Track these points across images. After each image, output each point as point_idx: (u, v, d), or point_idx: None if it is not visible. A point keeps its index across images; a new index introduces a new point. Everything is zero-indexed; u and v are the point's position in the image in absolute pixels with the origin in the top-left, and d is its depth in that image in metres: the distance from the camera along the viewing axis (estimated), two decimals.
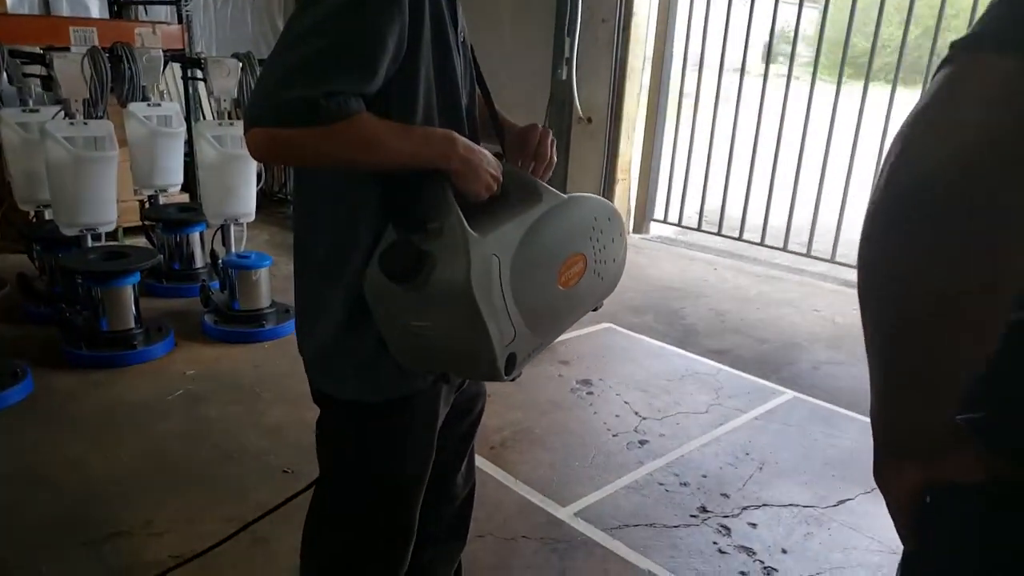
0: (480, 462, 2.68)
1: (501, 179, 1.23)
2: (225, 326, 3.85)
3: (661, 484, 2.61)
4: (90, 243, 3.81)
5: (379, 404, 1.29)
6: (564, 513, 2.42)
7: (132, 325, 3.59)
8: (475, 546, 2.11)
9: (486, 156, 1.20)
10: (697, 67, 5.85)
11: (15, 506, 2.39)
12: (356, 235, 1.20)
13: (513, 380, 1.20)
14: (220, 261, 4.00)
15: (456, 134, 1.16)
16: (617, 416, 3.09)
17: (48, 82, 4.08)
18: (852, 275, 5.19)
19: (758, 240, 5.67)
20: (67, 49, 4.34)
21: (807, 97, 5.26)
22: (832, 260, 5.30)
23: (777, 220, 5.50)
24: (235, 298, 3.90)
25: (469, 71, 1.32)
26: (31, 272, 4.17)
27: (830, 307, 4.62)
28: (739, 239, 5.79)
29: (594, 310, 1.45)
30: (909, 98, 4.70)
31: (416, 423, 1.33)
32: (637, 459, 2.76)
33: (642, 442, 2.89)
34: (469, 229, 1.12)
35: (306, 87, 1.01)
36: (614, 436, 2.93)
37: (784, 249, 5.55)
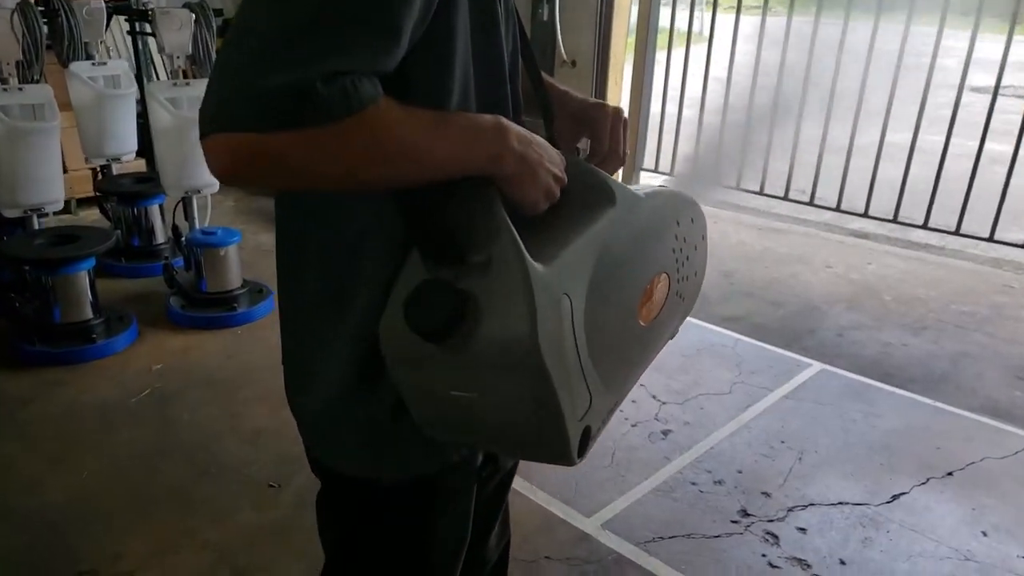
0: None
1: (565, 179, 0.87)
2: (193, 311, 3.49)
3: (694, 484, 2.34)
4: (37, 225, 3.41)
5: (399, 485, 0.97)
6: (590, 525, 2.15)
7: (90, 315, 3.22)
8: None
9: (546, 149, 0.84)
10: (689, 2, 5.45)
11: None
12: (363, 265, 0.85)
13: (582, 461, 0.87)
14: (183, 238, 3.63)
15: (507, 123, 0.80)
16: (634, 402, 2.81)
17: None
18: (860, 224, 4.94)
19: (757, 189, 5.37)
20: None
21: (811, 33, 4.90)
22: (837, 208, 5.02)
23: (777, 166, 5.19)
24: (202, 278, 3.53)
25: (512, 23, 0.93)
26: None
27: (842, 262, 4.35)
28: (736, 187, 5.48)
29: (670, 338, 1.11)
30: (920, 30, 4.41)
31: (447, 506, 1.01)
32: (663, 454, 2.49)
33: (665, 432, 2.62)
34: (530, 259, 0.77)
35: (294, 68, 0.65)
36: (634, 426, 2.65)
37: (785, 198, 5.25)
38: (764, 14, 5.02)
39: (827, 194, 4.98)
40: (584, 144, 1.05)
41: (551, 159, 0.84)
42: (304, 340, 0.94)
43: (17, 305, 3.19)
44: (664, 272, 0.99)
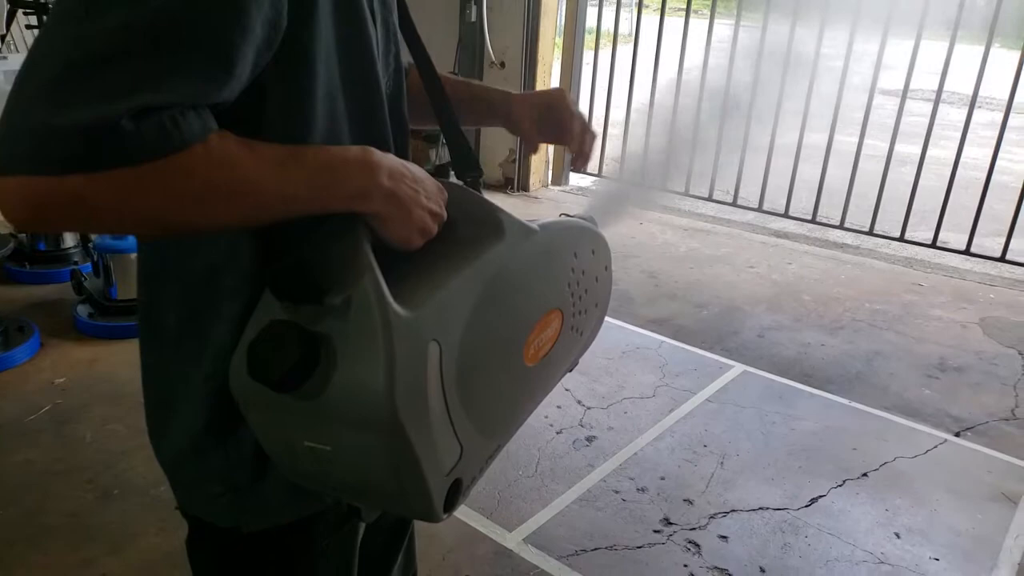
0: None
1: (445, 214, 0.80)
2: (101, 319, 3.31)
3: (616, 492, 2.33)
4: None
5: (266, 532, 0.88)
6: (512, 540, 2.11)
7: None
8: None
9: (423, 183, 0.77)
10: (615, 3, 5.47)
11: None
12: (216, 301, 0.78)
13: (449, 516, 0.81)
14: (92, 242, 3.44)
15: (376, 156, 0.73)
16: (559, 407, 2.78)
17: None
18: (781, 225, 5.05)
19: (682, 190, 5.43)
20: None
21: (732, 34, 4.97)
22: (759, 209, 5.12)
23: (701, 167, 5.25)
24: (112, 284, 3.35)
25: (392, 41, 0.87)
26: None
27: (764, 262, 4.44)
28: (662, 189, 5.52)
29: (567, 371, 1.07)
30: (835, 35, 4.52)
31: (322, 550, 0.93)
32: (587, 461, 2.47)
33: (590, 439, 2.60)
34: (392, 303, 0.70)
35: (95, 102, 0.56)
36: (558, 433, 2.63)
37: (709, 199, 5.33)
38: (687, 17, 5.08)
39: (750, 194, 5.09)
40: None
41: (428, 194, 0.77)
42: (162, 380, 0.86)
43: None
44: (556, 309, 0.95)
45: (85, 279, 3.41)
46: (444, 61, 5.77)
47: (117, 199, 0.59)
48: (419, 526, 2.11)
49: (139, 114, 0.57)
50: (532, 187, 5.72)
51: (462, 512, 2.22)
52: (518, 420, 0.95)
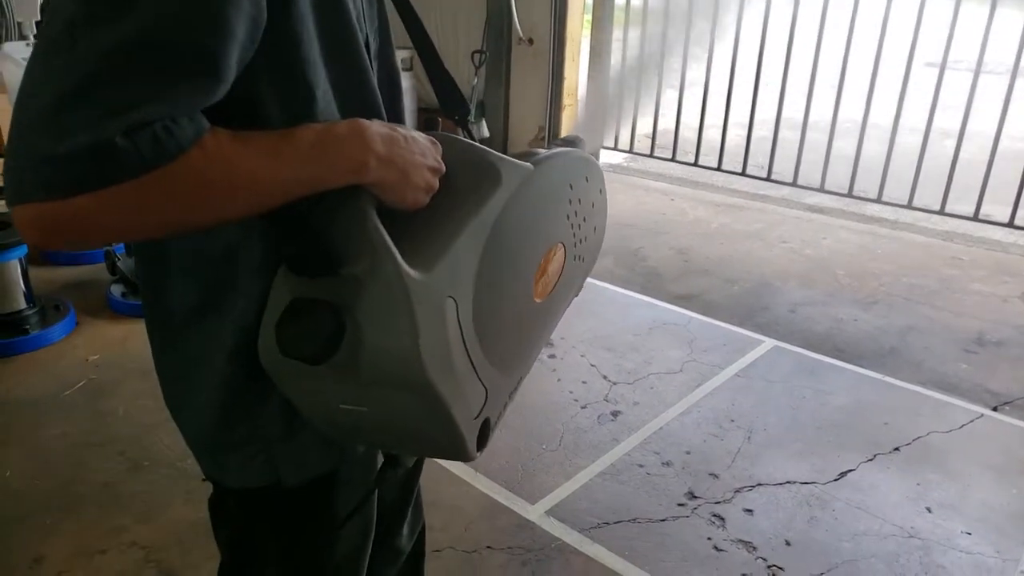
0: None
1: (443, 168, 0.81)
2: (134, 298, 3.36)
3: (641, 466, 2.31)
4: None
5: (296, 487, 0.90)
6: (534, 513, 2.11)
7: (23, 305, 3.09)
8: (433, 564, 1.78)
9: (416, 143, 0.78)
10: None
11: None
12: (235, 279, 0.79)
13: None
14: None
15: (366, 126, 0.73)
16: (584, 383, 2.77)
17: None
18: (817, 199, 4.94)
19: (715, 165, 5.34)
20: None
21: (764, 7, 4.85)
22: (794, 184, 5.01)
23: (734, 141, 5.16)
24: None
25: (375, 12, 0.88)
26: None
27: (797, 237, 4.35)
28: (695, 164, 5.45)
29: (574, 296, 1.09)
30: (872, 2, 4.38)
31: (349, 499, 0.95)
32: (611, 436, 2.46)
33: (615, 413, 2.58)
34: (407, 268, 0.71)
35: (91, 125, 0.58)
36: (583, 408, 2.61)
37: (743, 174, 5.23)
38: None
39: (785, 169, 4.98)
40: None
41: (423, 151, 0.78)
42: (176, 356, 0.87)
43: None
44: (559, 242, 0.95)
45: (119, 260, 3.47)
46: (472, 39, 5.75)
47: (123, 212, 0.62)
48: (441, 497, 2.13)
49: (132, 130, 0.59)
50: None
51: (485, 484, 2.22)
52: (534, 352, 0.98)
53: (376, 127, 0.74)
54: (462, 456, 0.81)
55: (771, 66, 4.85)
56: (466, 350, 0.77)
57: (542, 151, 0.96)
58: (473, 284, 0.79)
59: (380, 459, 1.00)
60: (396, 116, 0.91)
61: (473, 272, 0.79)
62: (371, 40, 0.84)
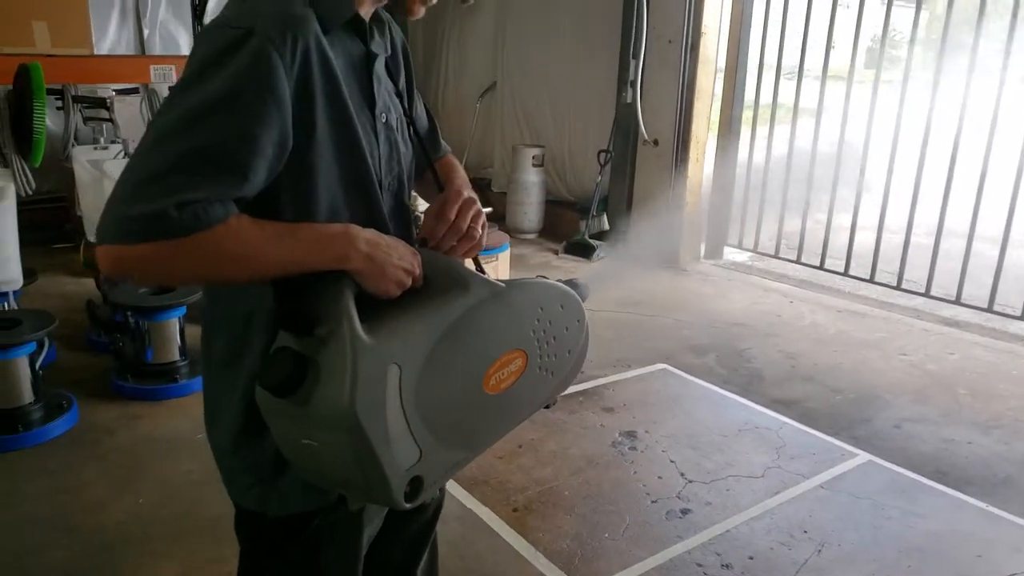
0: (499, 527, 2.48)
1: (418, 271, 1.04)
2: None
3: (699, 566, 2.32)
4: None
5: (284, 518, 1.13)
6: None
7: (176, 357, 3.57)
8: None
9: (396, 249, 1.02)
10: (774, 76, 5.45)
11: (32, 552, 2.34)
12: (251, 335, 1.05)
13: (415, 505, 1.01)
14: None
15: (355, 230, 0.99)
16: (660, 478, 2.81)
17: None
18: (948, 311, 4.71)
19: (841, 270, 5.24)
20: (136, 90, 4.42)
21: (897, 105, 4.79)
22: (927, 294, 4.82)
23: (864, 246, 5.06)
24: None
25: (395, 152, 1.15)
26: (98, 300, 4.24)
27: (921, 351, 4.17)
28: (820, 268, 5.36)
29: (546, 408, 1.24)
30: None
31: (329, 541, 1.15)
32: (676, 533, 2.48)
33: (684, 511, 2.61)
34: (361, 334, 0.93)
35: (155, 200, 0.87)
36: (653, 503, 2.65)
37: (871, 280, 5.09)
38: (849, 85, 4.97)
39: (918, 277, 4.81)
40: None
41: (400, 256, 1.02)
42: (212, 390, 1.13)
43: (120, 345, 3.57)
44: (519, 349, 1.10)
45: (97, 309, 3.87)
46: (600, 139, 6.05)
47: (166, 260, 0.90)
48: (500, 569, 2.25)
49: (181, 205, 0.87)
50: (681, 260, 5.74)
51: (544, 564, 2.31)
52: (483, 439, 1.12)
53: (365, 233, 0.99)
54: (391, 502, 0.98)
55: (905, 166, 4.76)
56: (403, 409, 0.95)
57: (529, 278, 1.16)
58: (423, 361, 0.97)
59: (368, 518, 1.19)
60: (403, 231, 1.15)
61: (425, 351, 0.98)
62: (384, 178, 1.12)
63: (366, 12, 1.09)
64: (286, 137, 0.95)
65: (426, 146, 1.26)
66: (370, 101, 1.10)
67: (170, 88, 0.95)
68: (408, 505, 0.99)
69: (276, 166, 0.95)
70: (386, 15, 1.18)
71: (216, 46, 0.93)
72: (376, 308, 0.98)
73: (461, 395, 1.05)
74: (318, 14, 0.99)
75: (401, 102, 1.19)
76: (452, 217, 1.15)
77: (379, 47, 1.13)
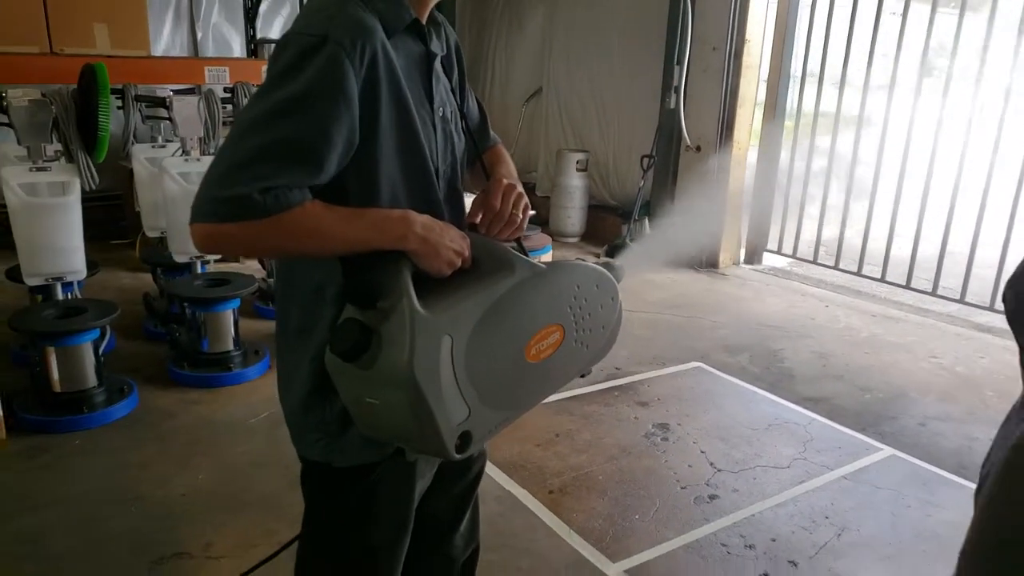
0: (535, 506, 2.63)
1: (467, 253, 1.21)
2: None
3: (724, 545, 2.45)
4: (200, 268, 4.09)
5: (346, 469, 1.29)
6: (613, 570, 2.32)
7: (231, 347, 3.78)
8: None
9: (448, 232, 1.18)
10: (816, 84, 5.52)
11: (97, 521, 2.56)
12: (322, 308, 1.21)
13: (464, 457, 1.17)
14: None
15: (413, 214, 1.15)
16: (690, 466, 2.94)
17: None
18: (982, 318, 4.75)
19: (878, 276, 5.29)
20: (192, 91, 4.66)
21: (937, 115, 4.83)
22: (961, 300, 4.86)
23: (900, 253, 5.10)
24: None
25: (450, 142, 1.31)
26: (154, 293, 4.49)
27: (951, 354, 4.22)
28: (858, 274, 5.42)
29: (581, 376, 1.40)
30: None
31: (385, 490, 1.31)
32: (703, 516, 2.61)
33: (712, 497, 2.73)
34: (418, 308, 1.09)
35: (242, 185, 1.02)
36: (683, 488, 2.78)
37: (907, 286, 5.14)
38: (891, 92, 5.03)
39: (953, 284, 4.84)
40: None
41: (452, 239, 1.18)
42: (286, 357, 1.30)
43: (177, 335, 3.80)
44: (558, 324, 1.26)
45: (154, 302, 4.09)
46: (643, 144, 6.17)
47: (251, 237, 1.07)
48: (535, 544, 2.39)
49: (265, 191, 1.03)
50: (722, 264, 5.84)
51: (577, 541, 2.47)
52: (523, 402, 1.28)
53: (421, 218, 1.15)
54: (443, 453, 1.13)
55: (942, 175, 4.81)
56: (454, 373, 1.11)
57: (567, 260, 1.33)
58: (471, 332, 1.14)
59: (420, 472, 1.35)
60: (456, 216, 1.32)
61: (473, 324, 1.15)
62: (440, 167, 1.28)
63: (424, 15, 1.25)
64: (354, 133, 1.10)
65: (476, 138, 1.42)
66: (429, 96, 1.24)
67: (258, 86, 1.13)
68: (458, 456, 1.15)
69: (345, 158, 1.11)
70: (440, 16, 1.32)
71: (296, 51, 1.08)
72: (430, 285, 1.15)
73: (505, 362, 1.21)
74: (382, 21, 1.14)
75: (455, 97, 1.34)
76: (497, 204, 1.30)
77: (437, 47, 1.27)
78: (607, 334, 1.38)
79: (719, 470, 2.92)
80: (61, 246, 3.44)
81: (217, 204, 1.03)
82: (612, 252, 6.07)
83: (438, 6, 1.28)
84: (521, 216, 1.32)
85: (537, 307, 1.24)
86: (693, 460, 2.99)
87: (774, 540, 2.48)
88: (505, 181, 1.33)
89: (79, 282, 3.80)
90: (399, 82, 1.16)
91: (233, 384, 3.65)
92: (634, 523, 2.56)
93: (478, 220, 1.32)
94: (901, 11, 5.00)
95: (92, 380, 3.31)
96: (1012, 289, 1.22)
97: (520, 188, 1.34)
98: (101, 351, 3.37)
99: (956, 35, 4.73)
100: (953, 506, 2.70)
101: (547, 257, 4.99)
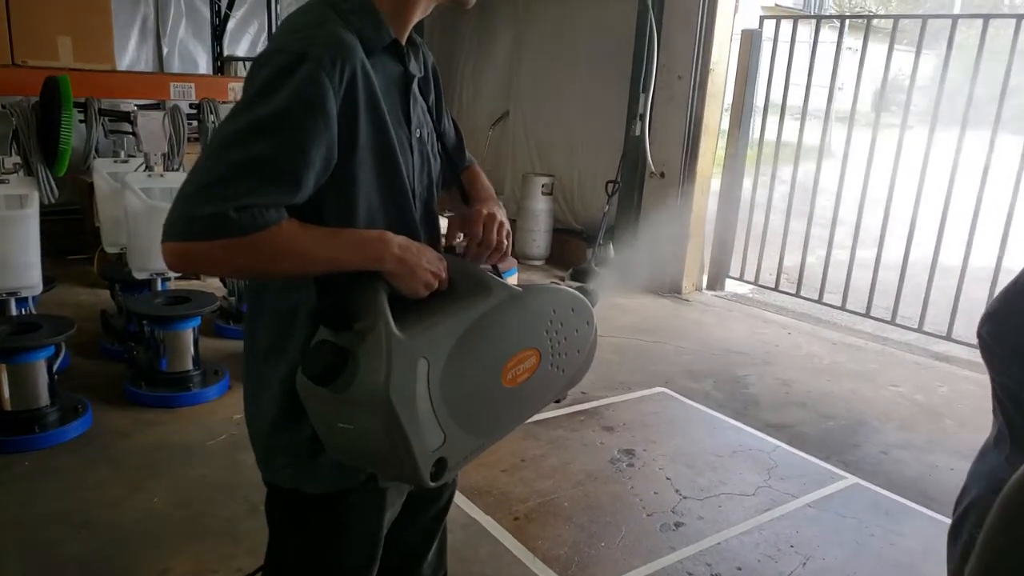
0: (499, 534, 2.60)
1: (444, 275, 1.18)
2: None
3: (690, 574, 2.43)
4: (160, 286, 4.00)
5: (316, 496, 1.25)
6: None
7: (190, 367, 3.69)
8: None
9: (425, 254, 1.16)
10: (778, 115, 5.64)
11: (50, 545, 2.46)
12: (293, 328, 1.18)
13: (439, 485, 1.14)
14: None
15: (390, 235, 1.13)
16: (655, 493, 2.93)
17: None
18: (941, 347, 4.84)
19: (839, 304, 5.37)
20: (157, 106, 4.59)
21: (895, 148, 4.96)
22: (919, 329, 4.95)
23: (861, 281, 5.20)
24: None
25: (426, 164, 1.29)
26: (112, 310, 4.37)
27: (910, 382, 4.29)
28: (818, 301, 5.50)
29: (556, 402, 1.38)
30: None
31: (356, 517, 1.28)
32: (669, 544, 2.60)
33: (677, 524, 2.72)
34: (395, 331, 1.06)
35: (218, 202, 1.00)
36: (648, 515, 2.77)
37: (867, 315, 5.23)
38: (850, 127, 5.15)
39: (912, 313, 4.94)
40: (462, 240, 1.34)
41: (429, 260, 1.16)
42: (254, 378, 1.26)
43: (135, 353, 3.70)
44: (534, 348, 1.24)
45: (111, 319, 4.03)
46: (608, 170, 6.22)
47: (225, 256, 1.04)
48: (499, 574, 2.36)
49: (241, 209, 1.00)
50: (685, 290, 5.88)
51: (540, 568, 2.43)
52: (500, 427, 1.26)
53: (398, 239, 1.13)
54: (417, 480, 1.10)
55: (901, 205, 4.92)
56: (430, 398, 1.09)
57: (543, 284, 1.31)
58: (447, 355, 1.12)
59: (390, 501, 1.31)
60: (432, 237, 1.30)
61: (449, 347, 1.12)
62: (417, 188, 1.26)
63: (403, 36, 1.24)
64: (332, 151, 1.08)
65: (454, 159, 1.41)
66: (407, 117, 1.23)
67: (235, 102, 1.13)
68: (433, 484, 1.12)
69: (322, 176, 1.09)
70: (418, 38, 1.32)
71: (275, 68, 1.05)
72: (406, 307, 1.12)
73: (481, 387, 1.19)
74: (362, 40, 1.12)
75: (431, 118, 1.33)
76: (480, 232, 1.30)
77: (415, 68, 1.26)
78: (582, 358, 1.37)
79: (684, 497, 2.91)
80: (16, 260, 3.34)
81: (191, 222, 1.00)
82: (577, 276, 6.09)
83: (414, 28, 1.27)
84: (506, 243, 1.32)
85: (514, 330, 1.23)
86: (659, 487, 2.98)
87: (740, 569, 2.47)
88: (485, 211, 1.33)
89: (34, 298, 3.69)
90: (378, 101, 1.14)
91: (192, 404, 3.56)
92: (600, 551, 2.54)
93: (462, 247, 1.30)
94: (859, 47, 5.14)
95: (45, 399, 3.20)
96: (987, 324, 1.23)
97: (501, 214, 1.34)
98: (55, 369, 3.26)
99: (912, 72, 4.88)
100: (915, 534, 2.73)
101: (513, 280, 4.98)
